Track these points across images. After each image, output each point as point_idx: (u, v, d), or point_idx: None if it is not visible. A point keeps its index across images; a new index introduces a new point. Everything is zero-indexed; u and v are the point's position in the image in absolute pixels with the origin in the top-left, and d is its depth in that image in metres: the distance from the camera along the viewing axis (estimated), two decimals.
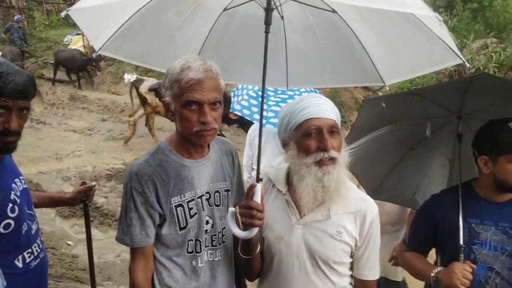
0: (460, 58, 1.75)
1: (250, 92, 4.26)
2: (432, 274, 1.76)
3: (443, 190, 2.02)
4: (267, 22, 1.76)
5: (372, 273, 1.56)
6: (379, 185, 2.36)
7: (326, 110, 1.47)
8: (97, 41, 1.89)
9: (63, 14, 1.82)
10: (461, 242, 1.75)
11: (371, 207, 1.54)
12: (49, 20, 16.35)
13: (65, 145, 8.26)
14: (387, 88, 2.12)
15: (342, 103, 9.70)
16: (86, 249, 2.37)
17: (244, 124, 5.94)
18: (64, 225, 4.95)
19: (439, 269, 1.76)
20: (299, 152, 1.47)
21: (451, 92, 1.96)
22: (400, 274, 2.77)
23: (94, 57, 11.62)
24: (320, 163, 1.43)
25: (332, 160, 1.43)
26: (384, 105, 2.02)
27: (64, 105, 11.27)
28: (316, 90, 4.67)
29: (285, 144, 1.55)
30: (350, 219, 1.51)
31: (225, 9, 2.06)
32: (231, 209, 1.49)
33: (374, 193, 2.39)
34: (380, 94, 8.90)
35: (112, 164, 7.06)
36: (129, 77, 13.40)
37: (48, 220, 5.00)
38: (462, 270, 1.65)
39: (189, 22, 2.04)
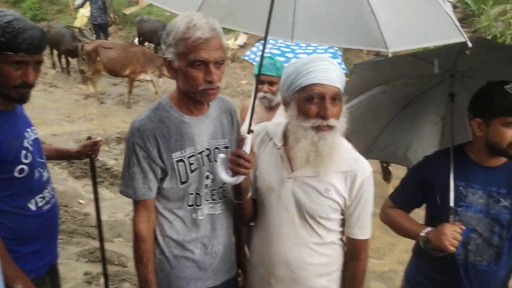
0: (464, 37, 1.70)
1: (274, 51, 4.50)
2: (422, 234, 1.78)
3: (435, 152, 2.04)
4: None
5: (362, 232, 1.61)
6: (371, 145, 2.39)
7: (332, 77, 1.46)
8: None
9: None
10: (451, 204, 1.77)
11: (363, 168, 1.57)
12: None
13: (77, 108, 8.38)
14: (390, 55, 2.09)
15: None
16: (98, 202, 2.47)
17: None
18: (76, 185, 5.11)
19: (428, 229, 1.78)
20: (298, 114, 1.49)
21: (445, 52, 1.95)
22: None
23: None
24: (317, 129, 1.46)
25: (330, 127, 1.46)
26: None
27: (76, 69, 11.30)
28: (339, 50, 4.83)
29: (285, 103, 1.58)
30: (340, 178, 1.55)
31: None
32: (221, 155, 1.54)
33: (366, 153, 2.41)
34: None
35: (122, 127, 7.16)
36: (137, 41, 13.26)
37: (61, 180, 5.16)
38: (452, 232, 1.68)
39: None
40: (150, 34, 10.90)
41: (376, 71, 2.20)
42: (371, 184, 1.59)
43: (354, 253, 1.64)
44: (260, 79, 2.58)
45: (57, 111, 8.04)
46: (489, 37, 8.24)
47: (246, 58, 5.73)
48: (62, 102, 8.67)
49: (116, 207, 4.58)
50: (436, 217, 1.85)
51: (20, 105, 1.79)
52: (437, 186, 1.87)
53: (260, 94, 2.67)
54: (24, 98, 1.68)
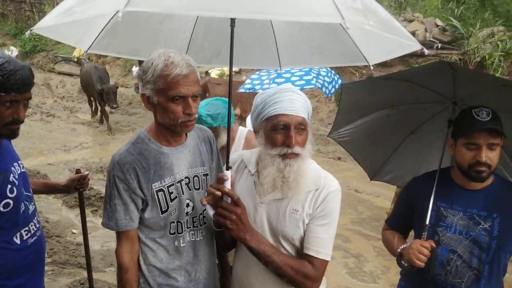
0: (420, 45, 1.78)
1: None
2: (398, 250, 1.85)
3: (424, 173, 2.07)
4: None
5: (318, 249, 1.54)
6: (380, 168, 2.42)
7: (297, 107, 1.54)
8: (81, 43, 1.97)
9: (27, 34, 1.76)
10: (427, 222, 1.82)
11: (329, 183, 1.60)
12: None
13: (73, 137, 8.46)
14: (372, 67, 2.16)
15: None
16: (87, 236, 2.49)
17: None
18: (70, 215, 5.11)
19: (405, 246, 1.85)
20: (266, 142, 1.57)
21: (439, 77, 1.96)
22: None
23: None
24: (283, 156, 1.53)
25: (295, 155, 1.53)
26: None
27: (73, 98, 11.48)
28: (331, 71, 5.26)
29: (255, 131, 1.66)
30: (308, 198, 1.58)
31: None
32: None
33: (375, 175, 2.46)
34: None
35: None
36: (138, 70, 13.51)
37: (54, 210, 5.17)
38: (419, 247, 1.73)
39: (172, 15, 2.07)
40: None
41: (371, 92, 2.22)
42: (337, 201, 1.59)
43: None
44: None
45: (53, 140, 8.11)
46: (478, 59, 8.40)
47: (242, 90, 5.26)
48: (59, 132, 8.76)
49: (110, 236, 4.55)
50: (417, 237, 1.90)
51: (7, 141, 1.84)
52: (419, 204, 1.92)
53: None
54: (14, 134, 1.75)
